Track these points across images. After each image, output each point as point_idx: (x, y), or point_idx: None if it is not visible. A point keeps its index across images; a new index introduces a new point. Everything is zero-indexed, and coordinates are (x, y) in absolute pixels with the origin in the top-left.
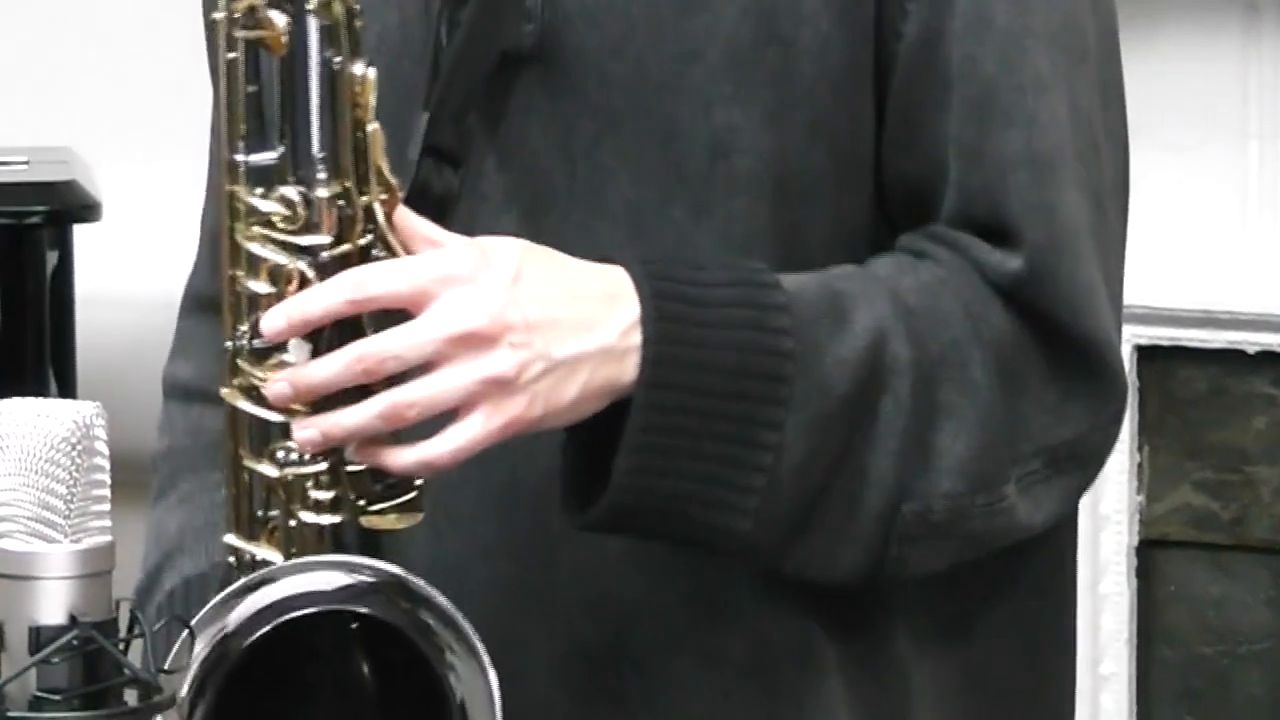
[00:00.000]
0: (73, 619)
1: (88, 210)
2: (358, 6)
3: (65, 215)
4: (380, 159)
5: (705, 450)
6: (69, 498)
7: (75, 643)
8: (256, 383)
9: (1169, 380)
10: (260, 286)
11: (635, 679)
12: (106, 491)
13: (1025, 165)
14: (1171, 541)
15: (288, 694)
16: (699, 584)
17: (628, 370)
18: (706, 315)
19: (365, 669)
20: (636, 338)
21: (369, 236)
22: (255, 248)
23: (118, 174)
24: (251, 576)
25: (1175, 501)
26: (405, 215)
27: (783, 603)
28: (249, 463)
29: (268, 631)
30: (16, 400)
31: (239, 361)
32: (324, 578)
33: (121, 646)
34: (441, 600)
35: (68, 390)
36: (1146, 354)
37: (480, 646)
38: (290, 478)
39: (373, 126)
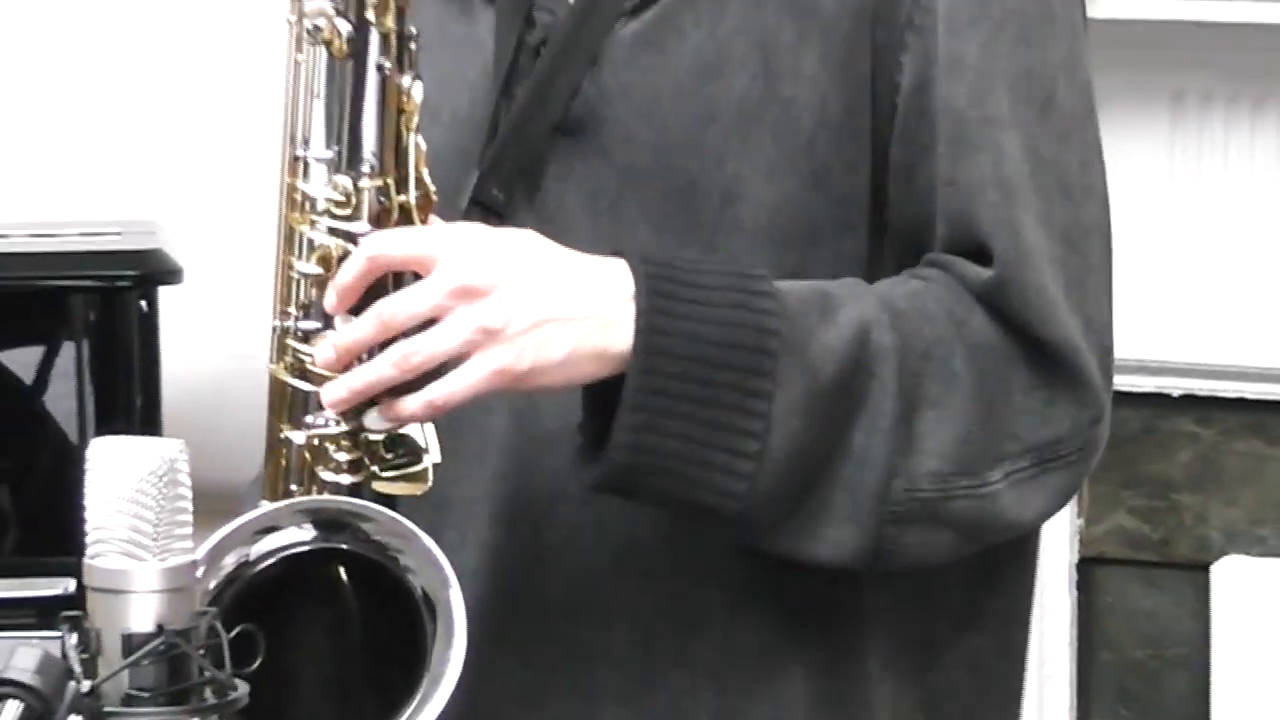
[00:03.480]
0: (159, 627)
1: (171, 274)
2: (412, 29)
3: (151, 279)
4: (421, 165)
5: (698, 414)
6: (156, 523)
7: (161, 648)
8: (301, 357)
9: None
10: (310, 268)
11: (609, 676)
12: (189, 517)
13: (993, 187)
14: (1108, 559)
15: (287, 610)
16: (675, 590)
17: (620, 338)
18: (697, 295)
19: (345, 588)
20: (629, 309)
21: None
22: (306, 230)
23: (197, 242)
24: (257, 515)
25: (1111, 525)
26: (435, 220)
27: (754, 610)
28: (285, 432)
29: (272, 564)
30: (111, 438)
31: (286, 340)
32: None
33: (200, 651)
34: (389, 515)
35: (154, 430)
36: None
37: (428, 542)
38: (317, 441)
39: (416, 137)
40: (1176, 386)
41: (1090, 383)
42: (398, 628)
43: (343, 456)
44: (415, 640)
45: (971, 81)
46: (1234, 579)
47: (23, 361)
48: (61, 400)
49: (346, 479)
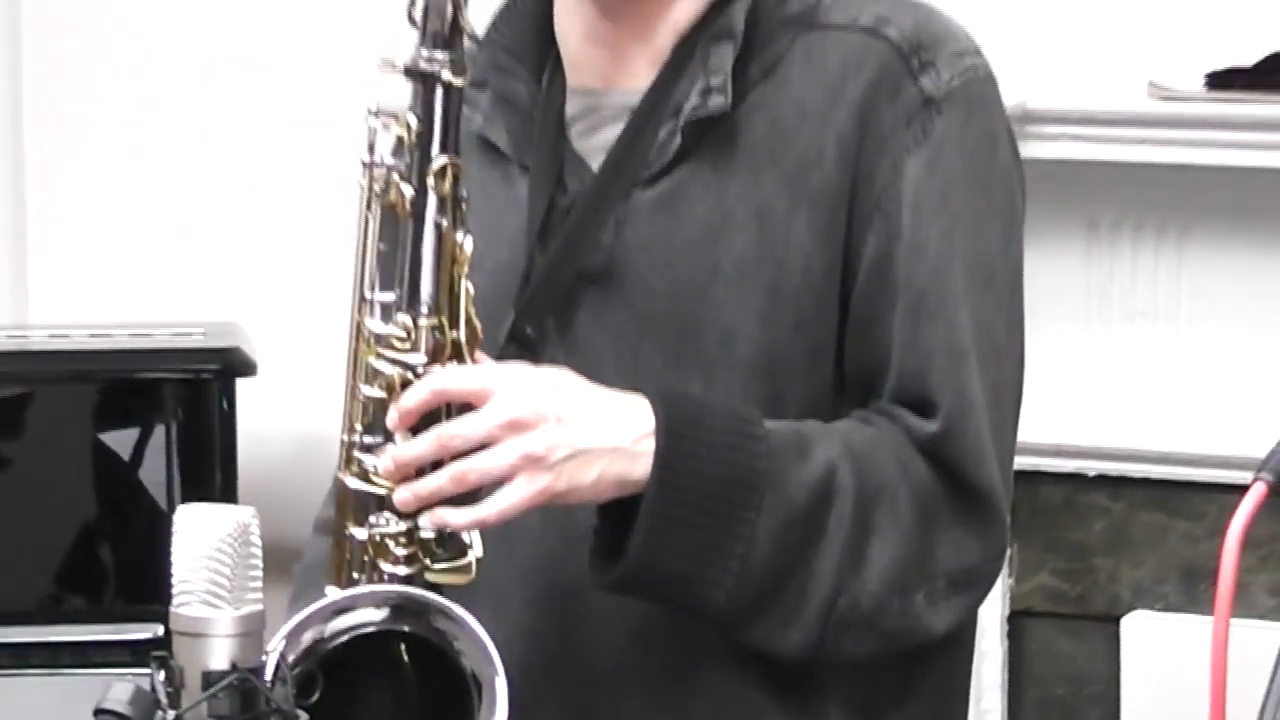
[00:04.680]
0: (233, 665)
1: (248, 368)
2: (464, 192)
3: (230, 372)
4: (470, 307)
5: (697, 537)
6: (231, 577)
7: (235, 683)
8: (366, 467)
9: (1032, 495)
10: (374, 392)
11: None
12: (259, 572)
13: (944, 353)
14: (1034, 612)
15: (355, 683)
16: (677, 658)
17: (638, 469)
18: (703, 436)
19: (405, 665)
20: (648, 445)
21: (454, 361)
22: (371, 360)
23: (271, 339)
24: (339, 598)
25: (1037, 583)
26: (481, 356)
27: (740, 676)
28: (350, 530)
29: (345, 641)
30: (194, 505)
31: (353, 452)
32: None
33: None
34: (449, 605)
35: (231, 499)
36: (1017, 476)
37: (477, 628)
38: (378, 538)
39: (466, 283)
40: (1092, 467)
41: (1001, 521)
42: (449, 702)
43: (400, 551)
44: (464, 714)
45: (932, 263)
46: (1140, 630)
47: (122, 441)
48: (153, 474)
49: (403, 570)
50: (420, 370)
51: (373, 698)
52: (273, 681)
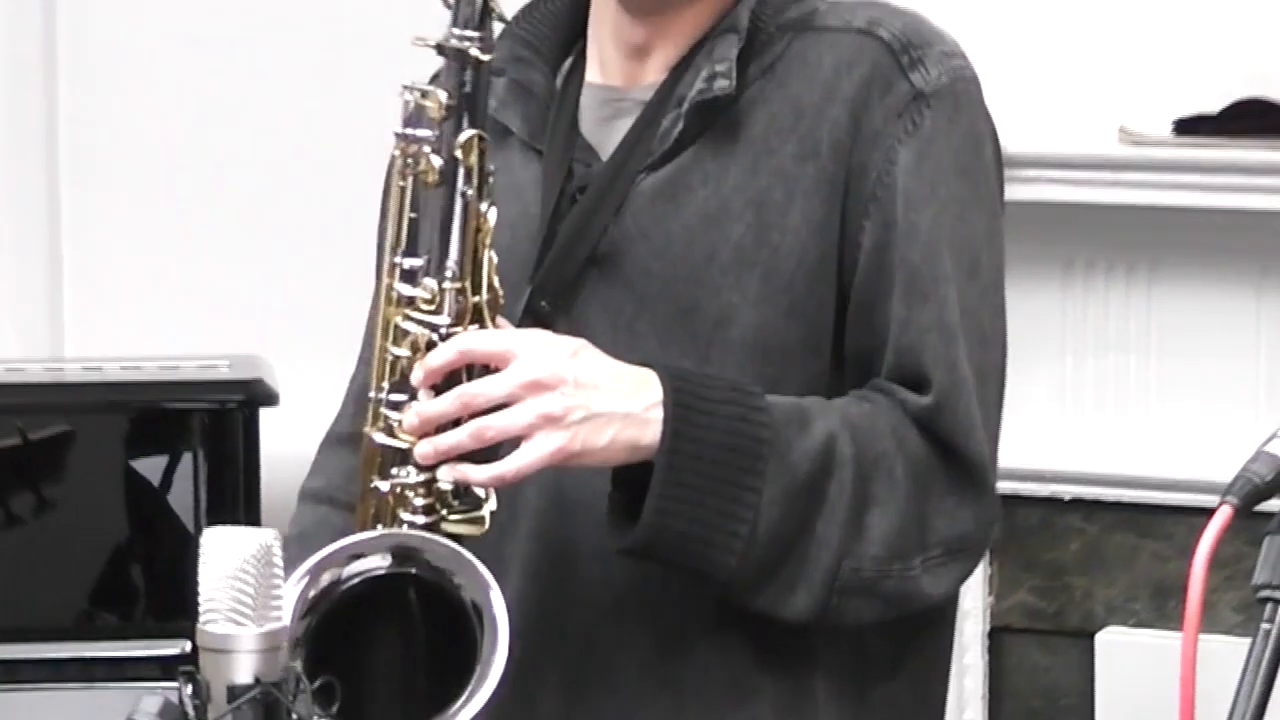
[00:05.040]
0: (257, 679)
1: (270, 398)
2: (490, 165)
3: (254, 403)
4: (493, 274)
5: (706, 502)
6: (254, 596)
7: (258, 696)
8: (390, 423)
9: (1011, 517)
10: (401, 351)
11: (612, 699)
12: (281, 591)
13: (936, 330)
14: (1013, 629)
15: (366, 620)
16: (666, 628)
17: (648, 435)
18: (709, 407)
19: (413, 601)
20: (658, 414)
21: (476, 325)
22: (399, 321)
23: (293, 371)
24: (349, 542)
25: (1015, 601)
26: (502, 320)
27: (729, 646)
28: (374, 483)
29: (354, 585)
30: (219, 528)
31: (380, 409)
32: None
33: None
34: (449, 545)
35: (254, 522)
36: None
37: (476, 562)
38: (399, 490)
39: (490, 251)
40: (1067, 491)
41: (991, 491)
42: (454, 632)
43: (419, 502)
44: (468, 642)
45: (924, 245)
46: (1113, 645)
47: (151, 467)
48: (181, 498)
49: (421, 519)
50: (444, 332)
51: (384, 632)
52: (294, 693)
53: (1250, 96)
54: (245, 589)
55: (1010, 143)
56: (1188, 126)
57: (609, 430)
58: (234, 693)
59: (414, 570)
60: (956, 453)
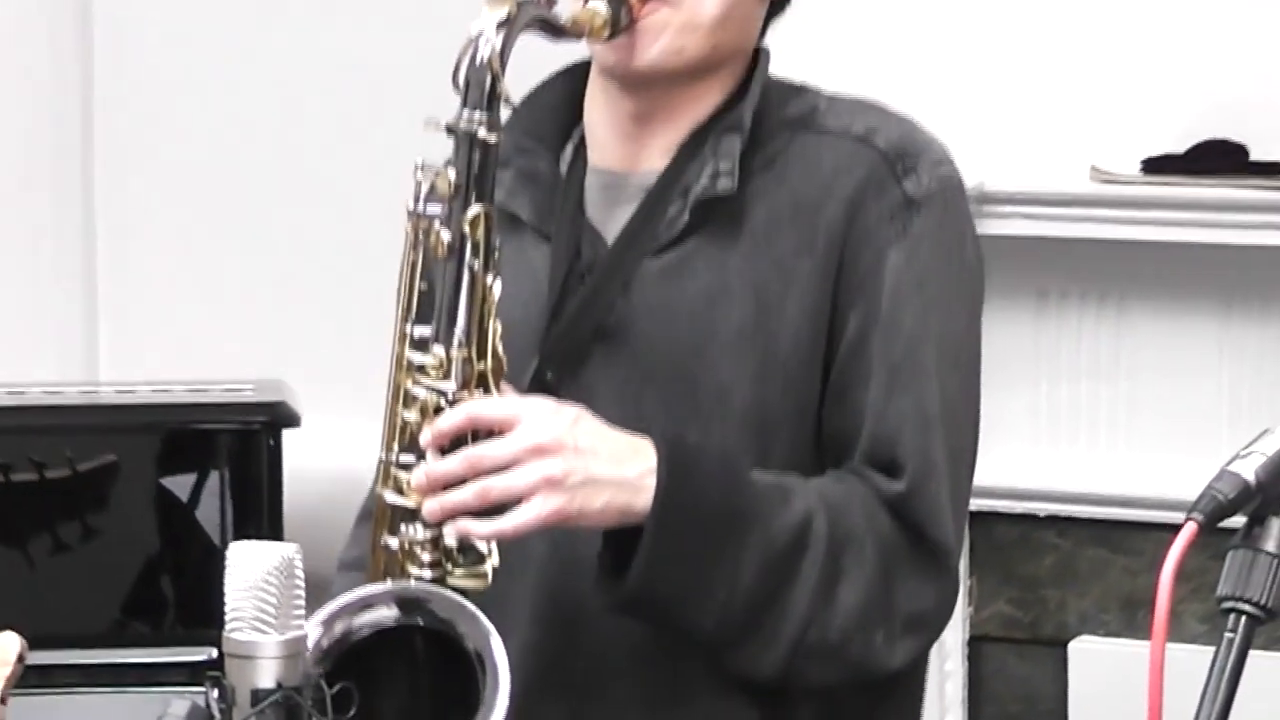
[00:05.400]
0: (279, 684)
1: (292, 420)
2: (497, 240)
3: (277, 424)
4: (497, 342)
5: (690, 567)
6: (277, 605)
7: (280, 700)
8: (401, 483)
9: (989, 533)
10: (411, 415)
11: None
12: (302, 601)
13: (912, 421)
14: (991, 638)
15: (377, 664)
16: (669, 679)
17: (640, 502)
18: (699, 478)
19: (420, 649)
20: (651, 481)
21: (480, 390)
22: (409, 386)
23: (313, 393)
24: (360, 595)
25: (993, 611)
26: (506, 386)
27: (726, 694)
28: (385, 540)
29: (368, 633)
30: (244, 542)
31: (390, 469)
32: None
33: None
34: (453, 596)
35: (277, 536)
36: (976, 516)
37: (479, 614)
38: (407, 545)
39: (495, 320)
40: (1042, 509)
41: (952, 575)
42: (457, 677)
43: (426, 558)
44: (470, 687)
45: (907, 339)
46: (1085, 653)
47: (180, 485)
48: (209, 514)
49: (428, 574)
50: (452, 396)
51: (393, 677)
52: (314, 698)
53: (1214, 138)
54: (268, 599)
55: (989, 180)
56: (1155, 165)
57: (605, 495)
58: (257, 696)
59: (420, 620)
60: (923, 537)
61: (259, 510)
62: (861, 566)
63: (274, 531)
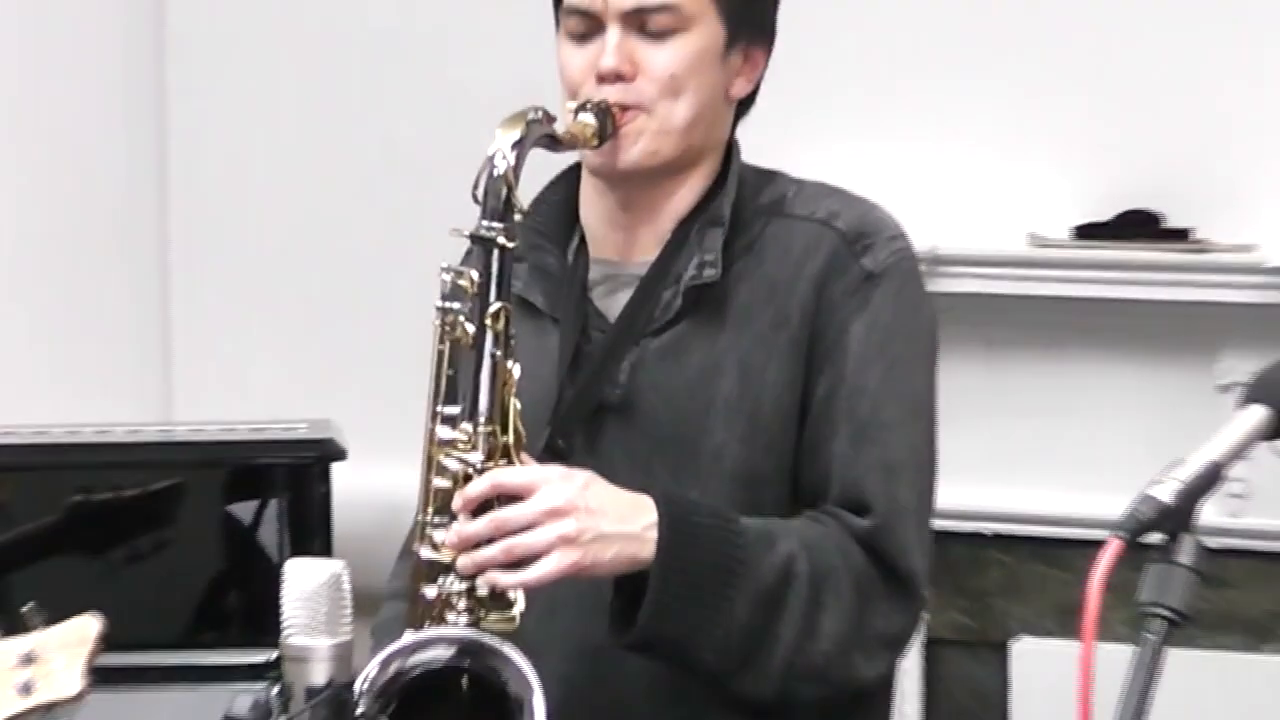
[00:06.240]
0: (330, 682)
1: (340, 455)
2: (514, 331)
3: (327, 458)
4: (516, 419)
5: (691, 609)
6: (327, 614)
7: (331, 696)
8: (436, 541)
9: (944, 550)
10: (443, 483)
11: None
12: (349, 611)
13: (879, 469)
14: (945, 640)
15: (426, 704)
16: (682, 702)
17: (645, 552)
18: (696, 530)
19: (464, 691)
20: (653, 534)
21: (504, 460)
22: (442, 459)
23: (358, 432)
24: (415, 639)
25: (947, 618)
26: (525, 456)
27: (728, 716)
28: (424, 589)
29: (420, 674)
30: (299, 560)
31: (426, 530)
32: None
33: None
34: (492, 642)
35: (327, 554)
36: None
37: (521, 660)
38: (444, 596)
39: (514, 400)
40: (989, 528)
41: (919, 598)
42: (497, 714)
43: (461, 605)
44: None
45: (872, 397)
46: (1025, 652)
47: (244, 511)
48: (268, 536)
49: (464, 619)
50: (478, 466)
51: (441, 715)
52: (360, 695)
53: (1134, 208)
54: (319, 609)
55: (941, 245)
56: (1084, 232)
57: (614, 548)
58: (311, 692)
59: (467, 663)
60: (894, 568)
61: (311, 532)
62: (839, 598)
63: (324, 550)
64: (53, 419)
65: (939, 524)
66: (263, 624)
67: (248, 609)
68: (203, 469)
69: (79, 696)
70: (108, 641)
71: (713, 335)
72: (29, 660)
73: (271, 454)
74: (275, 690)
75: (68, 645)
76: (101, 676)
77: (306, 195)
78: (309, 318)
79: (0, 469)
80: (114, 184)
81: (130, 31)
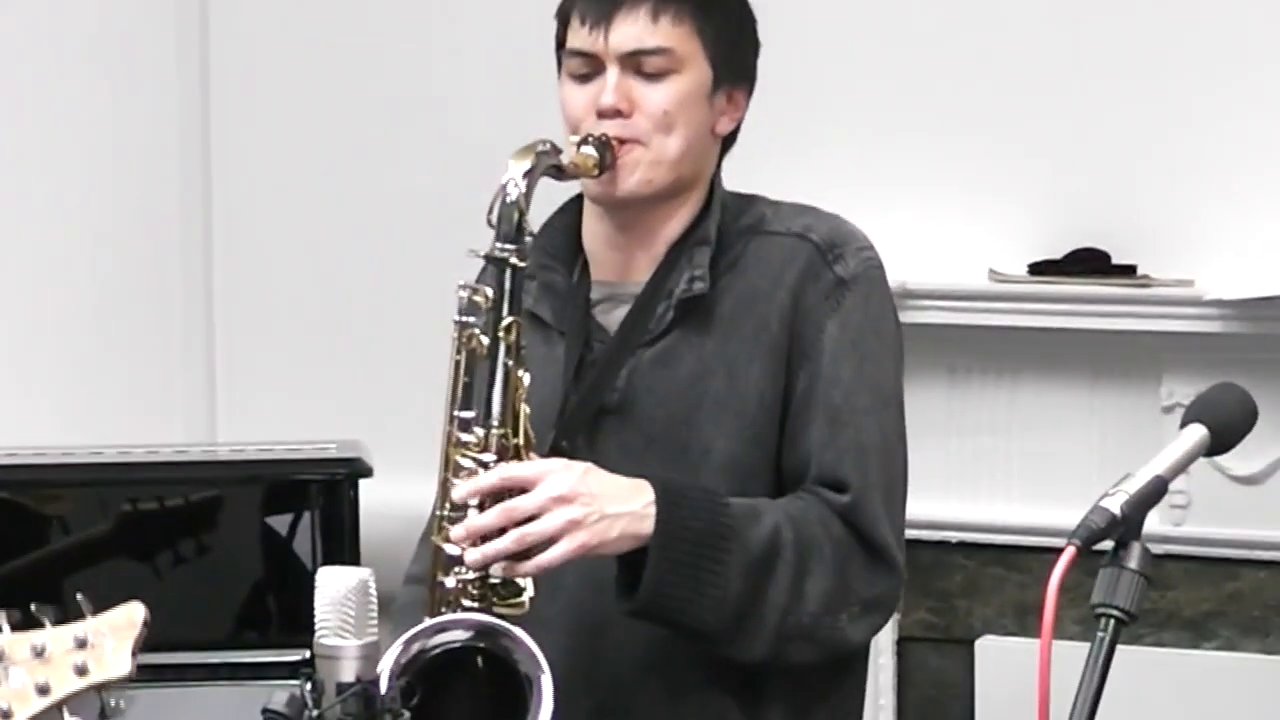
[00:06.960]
0: (358, 679)
1: (367, 472)
2: (524, 343)
3: (355, 475)
4: (526, 423)
5: (690, 576)
6: (355, 617)
7: (359, 692)
8: (450, 532)
9: (913, 556)
10: (459, 481)
11: None
12: (375, 614)
13: (853, 451)
14: (914, 638)
15: (445, 680)
16: (674, 679)
17: (645, 528)
18: (689, 506)
19: (480, 669)
20: (651, 511)
21: (515, 459)
22: (457, 458)
23: (384, 451)
24: (434, 622)
25: (916, 617)
26: (533, 456)
27: (714, 686)
28: (440, 578)
29: (439, 653)
30: (330, 568)
31: (442, 523)
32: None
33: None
34: (505, 626)
35: (355, 563)
36: None
37: (531, 644)
38: (460, 584)
39: (525, 406)
40: (954, 536)
41: (897, 565)
42: (510, 696)
43: (475, 592)
44: (519, 705)
45: (845, 388)
46: (988, 649)
47: (281, 523)
48: (302, 545)
49: (478, 605)
50: (491, 465)
51: (457, 690)
52: (385, 691)
53: (1084, 246)
54: (349, 612)
55: (910, 280)
56: (1039, 268)
57: (618, 526)
58: (341, 689)
59: (482, 644)
60: (869, 538)
61: (341, 543)
62: (823, 564)
63: (353, 559)
64: (109, 440)
65: (907, 533)
66: (297, 626)
67: (283, 612)
68: (243, 485)
69: (129, 675)
70: (156, 642)
71: (701, 342)
72: (82, 645)
73: (305, 472)
74: (309, 686)
75: (117, 629)
76: (150, 674)
77: (339, 233)
78: (340, 344)
79: (60, 485)
80: (160, 212)
81: (182, 54)
